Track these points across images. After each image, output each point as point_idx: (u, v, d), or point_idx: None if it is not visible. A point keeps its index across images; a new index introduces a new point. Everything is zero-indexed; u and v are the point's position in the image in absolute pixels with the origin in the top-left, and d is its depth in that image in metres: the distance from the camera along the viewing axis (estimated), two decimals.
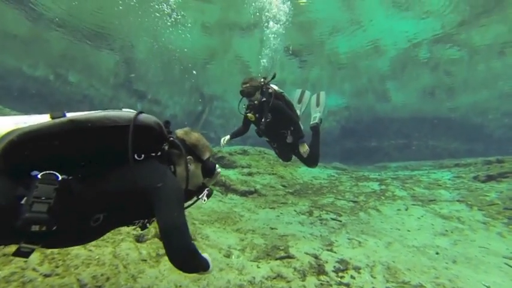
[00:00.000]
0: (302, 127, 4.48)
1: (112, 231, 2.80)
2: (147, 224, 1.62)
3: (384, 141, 23.81)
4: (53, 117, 1.26)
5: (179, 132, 1.77)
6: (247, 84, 3.88)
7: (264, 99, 3.87)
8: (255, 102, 3.92)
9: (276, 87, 4.12)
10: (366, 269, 3.30)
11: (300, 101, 4.91)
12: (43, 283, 1.93)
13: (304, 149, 4.17)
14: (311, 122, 4.67)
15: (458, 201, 6.10)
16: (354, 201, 6.20)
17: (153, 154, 1.50)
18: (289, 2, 10.62)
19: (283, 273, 2.95)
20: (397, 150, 22.19)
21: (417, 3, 10.72)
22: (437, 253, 3.84)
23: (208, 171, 1.76)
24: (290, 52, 14.96)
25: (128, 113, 1.37)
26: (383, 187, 7.53)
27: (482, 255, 3.82)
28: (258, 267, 3.05)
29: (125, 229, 2.90)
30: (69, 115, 1.29)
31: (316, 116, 4.71)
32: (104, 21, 13.19)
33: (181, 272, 2.64)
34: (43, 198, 1.12)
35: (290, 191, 6.78)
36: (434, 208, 5.79)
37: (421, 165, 12.43)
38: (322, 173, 9.50)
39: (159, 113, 24.01)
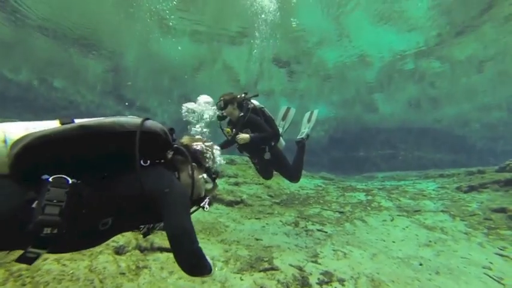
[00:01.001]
0: (284, 143, 4.43)
1: None
2: (151, 230, 1.64)
3: (371, 151, 24.25)
4: (62, 123, 1.30)
5: (183, 139, 1.81)
6: (221, 98, 3.82)
7: (242, 113, 3.82)
8: (224, 114, 3.82)
9: (256, 103, 4.07)
10: (350, 281, 3.28)
11: (284, 118, 4.85)
12: None
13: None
14: (297, 137, 4.65)
15: (442, 211, 6.21)
16: (340, 212, 6.22)
17: (158, 160, 1.55)
18: (277, 10, 10.80)
19: (266, 286, 2.90)
20: (384, 160, 22.64)
21: (401, 18, 11.10)
22: (421, 264, 3.86)
23: (214, 180, 1.82)
24: (278, 62, 15.15)
25: (135, 118, 1.40)
26: (369, 197, 7.60)
27: (463, 265, 3.87)
28: (241, 279, 2.99)
29: None
30: (78, 121, 1.32)
31: (303, 131, 4.69)
32: (92, 28, 13.05)
33: (161, 286, 2.58)
34: (55, 201, 1.14)
35: (276, 201, 6.74)
36: (419, 219, 5.87)
37: (407, 176, 12.66)
38: (309, 183, 9.53)
39: None
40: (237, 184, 7.41)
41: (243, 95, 3.93)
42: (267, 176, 4.54)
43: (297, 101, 20.38)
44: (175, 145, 1.63)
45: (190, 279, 2.79)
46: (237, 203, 6.08)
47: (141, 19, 12.04)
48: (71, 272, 2.23)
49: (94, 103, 21.78)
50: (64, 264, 2.27)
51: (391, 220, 5.81)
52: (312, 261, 3.63)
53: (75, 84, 19.34)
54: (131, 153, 1.33)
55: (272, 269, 3.23)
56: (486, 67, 14.47)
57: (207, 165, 1.78)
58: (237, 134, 3.84)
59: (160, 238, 3.36)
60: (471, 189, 7.49)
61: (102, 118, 1.34)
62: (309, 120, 4.88)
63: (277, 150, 4.25)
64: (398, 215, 6.09)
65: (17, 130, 1.23)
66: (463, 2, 9.82)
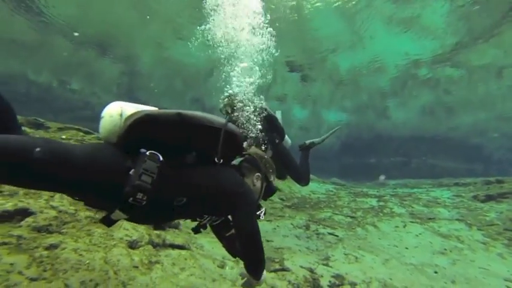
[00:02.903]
0: (290, 142, 4.23)
1: (104, 236, 2.77)
2: (208, 223, 1.78)
3: (383, 158, 23.86)
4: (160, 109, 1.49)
5: (252, 149, 1.95)
6: (224, 104, 3.74)
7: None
8: (234, 118, 3.66)
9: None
10: (362, 285, 3.22)
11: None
12: (28, 287, 1.87)
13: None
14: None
15: (457, 220, 6.03)
16: (352, 217, 6.13)
17: (229, 161, 1.69)
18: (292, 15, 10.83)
19: (277, 286, 2.88)
20: (396, 168, 22.21)
21: (417, 24, 10.96)
22: (435, 272, 3.76)
23: (270, 192, 1.92)
24: (292, 67, 15.15)
25: (221, 118, 1.57)
26: (381, 203, 7.47)
27: (482, 276, 3.73)
28: None
29: (117, 235, 2.85)
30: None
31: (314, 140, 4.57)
32: (110, 31, 13.43)
33: (173, 281, 2.59)
34: (149, 171, 1.32)
35: (288, 204, 6.71)
36: (433, 226, 5.72)
37: (420, 183, 12.38)
38: (320, 187, 9.45)
39: None
40: None
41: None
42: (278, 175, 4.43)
43: (309, 106, 20.31)
44: (245, 152, 1.78)
45: (201, 276, 2.81)
46: None
47: (157, 24, 12.31)
48: (87, 261, 2.27)
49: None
50: (81, 254, 2.31)
51: (404, 226, 5.69)
52: (323, 264, 3.59)
53: (92, 86, 19.88)
54: (212, 148, 1.51)
55: (283, 269, 3.21)
56: (506, 74, 14.05)
57: (270, 179, 1.89)
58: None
59: (172, 235, 3.39)
60: (489, 198, 7.25)
61: (195, 111, 1.51)
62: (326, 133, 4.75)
63: (282, 149, 4.09)
64: (411, 222, 5.95)
65: (130, 107, 1.46)
66: (483, 7, 9.59)
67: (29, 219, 2.50)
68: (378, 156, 24.05)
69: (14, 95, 16.18)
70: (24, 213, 2.56)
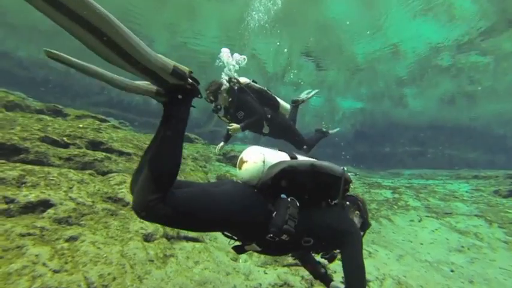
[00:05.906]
0: (288, 107, 4.11)
1: (120, 229, 2.83)
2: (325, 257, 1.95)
3: (398, 148, 23.31)
4: (291, 157, 1.71)
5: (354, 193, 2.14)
6: (207, 91, 3.66)
7: (231, 99, 3.63)
8: (218, 106, 3.70)
9: (243, 79, 3.79)
10: (376, 282, 3.20)
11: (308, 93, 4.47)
12: (52, 279, 1.94)
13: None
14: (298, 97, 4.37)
15: (476, 216, 5.86)
16: None
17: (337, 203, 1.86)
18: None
19: (290, 281, 2.89)
20: (412, 157, 21.68)
21: (443, 8, 10.32)
22: (452, 270, 3.68)
23: (365, 227, 2.03)
24: (307, 54, 14.75)
25: (338, 167, 1.76)
26: (396, 195, 7.34)
27: (503, 277, 3.61)
28: (265, 273, 3.01)
29: (133, 227, 2.91)
30: (302, 158, 1.73)
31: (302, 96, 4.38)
32: (125, 14, 13.38)
33: (187, 276, 2.64)
34: (292, 217, 1.48)
35: None
36: (450, 221, 5.58)
37: (437, 175, 12.07)
38: None
39: None
40: None
41: (226, 78, 3.72)
42: None
43: (324, 92, 19.90)
44: (349, 195, 1.95)
45: (215, 270, 2.85)
46: None
47: (173, 8, 12.15)
48: (105, 255, 2.33)
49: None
50: (99, 248, 2.38)
51: (419, 221, 5.58)
52: (337, 259, 3.57)
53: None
54: (331, 193, 1.72)
55: (296, 264, 3.22)
56: None
57: (365, 215, 2.03)
58: (231, 121, 3.73)
59: None
60: None
61: (320, 161, 1.73)
62: (308, 93, 4.47)
63: (280, 119, 3.94)
64: (427, 216, 5.83)
65: (270, 154, 1.65)
66: None
67: (50, 211, 2.58)
68: (393, 145, 23.50)
69: (35, 80, 16.60)
70: (46, 204, 2.64)
